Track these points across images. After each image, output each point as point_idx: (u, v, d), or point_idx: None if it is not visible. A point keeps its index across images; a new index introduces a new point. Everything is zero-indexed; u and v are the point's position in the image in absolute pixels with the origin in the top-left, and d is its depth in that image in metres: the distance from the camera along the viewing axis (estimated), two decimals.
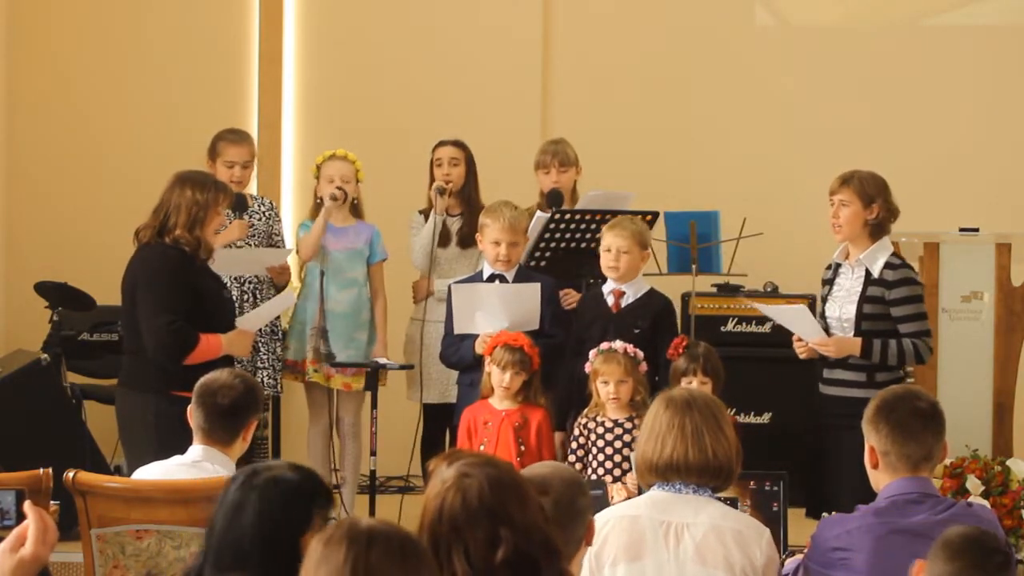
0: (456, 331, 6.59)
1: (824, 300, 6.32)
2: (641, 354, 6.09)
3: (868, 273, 6.11)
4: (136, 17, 8.86)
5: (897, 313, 6.07)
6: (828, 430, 6.21)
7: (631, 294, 6.52)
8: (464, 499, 2.94)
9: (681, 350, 6.20)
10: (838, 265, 6.25)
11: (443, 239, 7.40)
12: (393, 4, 8.99)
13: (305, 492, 3.06)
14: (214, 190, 6.09)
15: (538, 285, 6.55)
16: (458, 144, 7.51)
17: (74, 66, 8.83)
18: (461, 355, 6.61)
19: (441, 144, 7.53)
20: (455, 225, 7.45)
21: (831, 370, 6.20)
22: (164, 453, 4.91)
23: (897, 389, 4.27)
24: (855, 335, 6.09)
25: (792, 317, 6.28)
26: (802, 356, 6.23)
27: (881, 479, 4.12)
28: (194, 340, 5.92)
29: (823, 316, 6.30)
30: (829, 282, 6.29)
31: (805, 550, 4.22)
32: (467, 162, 7.50)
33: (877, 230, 6.13)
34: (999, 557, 3.43)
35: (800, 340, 6.20)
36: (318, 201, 7.35)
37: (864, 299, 6.10)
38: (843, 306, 6.16)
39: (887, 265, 6.09)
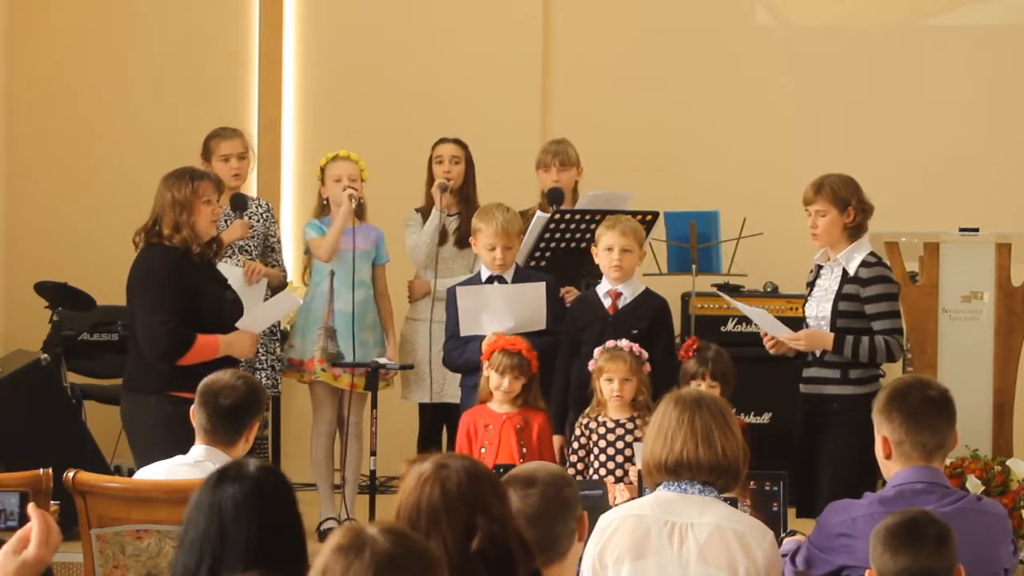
0: (462, 333, 6.52)
1: (806, 301, 6.34)
2: (646, 354, 6.07)
3: (845, 272, 6.14)
4: (136, 17, 8.85)
5: (870, 310, 6.10)
6: (806, 429, 6.22)
7: (628, 295, 6.46)
8: (443, 488, 2.94)
9: (692, 352, 6.19)
10: (820, 267, 6.29)
11: (440, 238, 7.39)
12: (393, 4, 8.98)
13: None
14: (189, 183, 5.98)
15: (543, 284, 6.52)
16: (459, 142, 7.52)
17: (74, 66, 8.82)
18: (467, 357, 6.54)
19: (442, 141, 7.53)
20: (452, 224, 7.44)
21: (808, 368, 6.23)
22: (167, 455, 4.91)
23: (907, 378, 4.24)
24: (830, 332, 6.12)
25: (757, 317, 6.31)
26: (772, 351, 6.26)
27: (893, 468, 4.08)
28: (189, 341, 5.90)
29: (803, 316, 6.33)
30: (811, 284, 6.32)
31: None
32: (467, 161, 7.51)
33: (855, 231, 6.18)
34: (932, 529, 3.44)
35: (770, 337, 6.23)
36: (324, 202, 7.34)
37: (840, 296, 6.13)
38: (820, 304, 6.20)
39: (863, 263, 6.13)
